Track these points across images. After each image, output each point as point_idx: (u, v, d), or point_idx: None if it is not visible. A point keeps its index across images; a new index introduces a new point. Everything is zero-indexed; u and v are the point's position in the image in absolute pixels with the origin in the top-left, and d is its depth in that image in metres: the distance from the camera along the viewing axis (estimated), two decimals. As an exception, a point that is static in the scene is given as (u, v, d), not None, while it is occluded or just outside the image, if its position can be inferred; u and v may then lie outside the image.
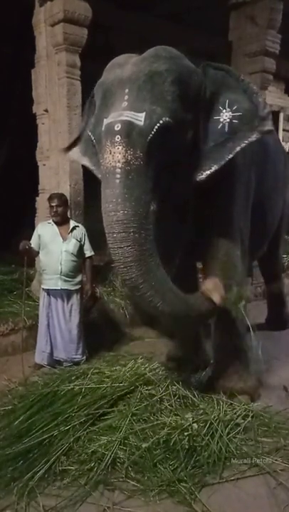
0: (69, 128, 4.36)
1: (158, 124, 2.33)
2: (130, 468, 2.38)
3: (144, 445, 2.47)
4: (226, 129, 2.62)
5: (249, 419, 2.83)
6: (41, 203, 4.79)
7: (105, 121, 2.42)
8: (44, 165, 4.74)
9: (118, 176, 2.33)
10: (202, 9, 6.12)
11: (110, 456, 2.42)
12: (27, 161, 6.11)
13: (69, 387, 3.05)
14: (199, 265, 3.61)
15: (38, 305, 4.21)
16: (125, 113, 2.35)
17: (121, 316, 4.84)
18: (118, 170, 2.33)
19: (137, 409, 2.79)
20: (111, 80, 2.50)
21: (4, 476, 2.36)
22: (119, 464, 2.42)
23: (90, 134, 2.60)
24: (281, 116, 9.59)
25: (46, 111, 4.61)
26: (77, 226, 3.78)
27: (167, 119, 2.35)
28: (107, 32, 6.44)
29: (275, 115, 8.58)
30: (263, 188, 3.41)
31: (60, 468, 2.40)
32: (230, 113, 2.62)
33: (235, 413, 2.87)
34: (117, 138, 2.33)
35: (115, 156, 2.33)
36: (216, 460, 2.44)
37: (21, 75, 6.39)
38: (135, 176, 2.34)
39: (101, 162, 2.46)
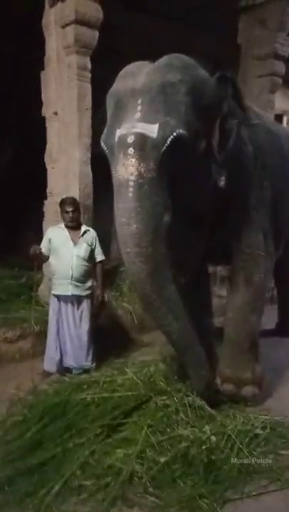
0: (79, 131, 4.30)
1: (171, 137, 2.30)
2: (149, 484, 2.30)
3: (162, 459, 2.39)
4: (232, 135, 2.65)
5: (268, 430, 2.76)
6: (49, 206, 4.72)
7: (118, 133, 2.39)
8: (53, 168, 4.67)
9: (131, 188, 2.33)
10: (209, 11, 6.07)
11: (128, 470, 2.34)
12: (28, 162, 6.08)
13: (81, 397, 2.97)
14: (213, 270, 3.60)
15: (47, 310, 4.16)
16: (138, 125, 2.32)
17: (129, 321, 4.77)
18: (131, 183, 2.32)
19: (152, 421, 2.71)
20: (123, 89, 2.45)
21: (18, 491, 2.28)
22: (136, 479, 2.35)
23: (102, 144, 2.56)
24: (285, 119, 9.56)
25: (56, 113, 4.55)
26: (88, 230, 3.72)
27: (181, 130, 2.32)
28: (111, 33, 6.41)
29: (278, 119, 8.53)
30: (279, 190, 3.36)
31: (76, 483, 2.32)
32: (234, 120, 2.67)
33: (252, 424, 2.80)
34: (130, 150, 2.31)
35: (128, 168, 2.32)
36: (236, 474, 2.37)
37: (23, 75, 6.38)
38: (148, 189, 2.33)
39: (113, 174, 2.45)
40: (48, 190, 4.78)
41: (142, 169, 2.29)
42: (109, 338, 4.32)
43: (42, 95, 4.70)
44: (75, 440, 2.57)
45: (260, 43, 5.79)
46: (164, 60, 2.46)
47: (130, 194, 2.31)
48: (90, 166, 4.37)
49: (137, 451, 2.46)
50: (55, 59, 4.48)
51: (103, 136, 2.55)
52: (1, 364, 4.03)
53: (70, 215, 3.65)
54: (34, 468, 2.40)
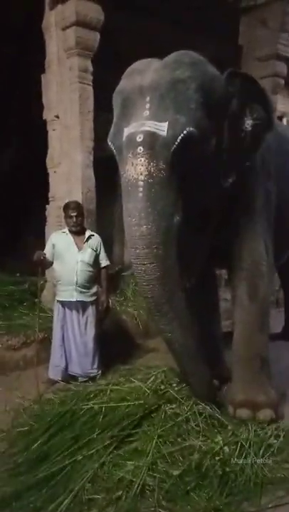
0: (81, 134, 4.25)
1: (182, 135, 2.24)
2: (161, 497, 2.22)
3: (175, 472, 2.31)
4: (249, 135, 2.58)
5: (281, 439, 2.68)
6: (52, 211, 4.67)
7: (126, 131, 2.33)
8: (55, 172, 4.61)
9: (141, 189, 2.26)
10: (209, 12, 6.02)
11: (139, 483, 2.26)
12: (29, 166, 6.02)
13: (88, 406, 2.89)
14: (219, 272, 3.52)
15: (50, 317, 4.09)
16: (147, 123, 2.26)
17: (134, 326, 4.70)
18: (140, 183, 2.26)
19: (162, 431, 2.63)
20: (131, 87, 2.39)
21: (26, 507, 2.20)
22: (148, 492, 2.26)
23: (110, 143, 2.49)
24: (284, 121, 9.52)
25: (57, 117, 4.49)
26: (93, 235, 3.65)
27: (191, 128, 2.26)
28: (111, 35, 6.37)
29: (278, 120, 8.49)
30: (285, 194, 3.29)
31: (86, 497, 2.24)
32: (251, 121, 2.58)
33: (265, 433, 2.72)
34: (140, 149, 2.25)
35: (137, 168, 2.26)
36: (252, 486, 2.29)
37: (23, 76, 6.33)
38: (158, 189, 2.27)
39: (122, 174, 2.38)
40: (50, 195, 4.72)
41: (152, 168, 2.24)
42: (113, 344, 4.25)
43: (43, 98, 4.66)
44: (84, 452, 2.48)
45: (262, 43, 5.77)
46: (172, 56, 2.40)
47: (140, 194, 2.25)
48: (92, 170, 4.31)
49: (147, 463, 2.38)
50: (56, 62, 4.44)
51: (110, 135, 2.49)
52: (5, 372, 3.95)
53: (74, 219, 3.59)
54: (42, 482, 2.32)
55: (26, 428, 2.84)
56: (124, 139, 2.33)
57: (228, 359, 3.50)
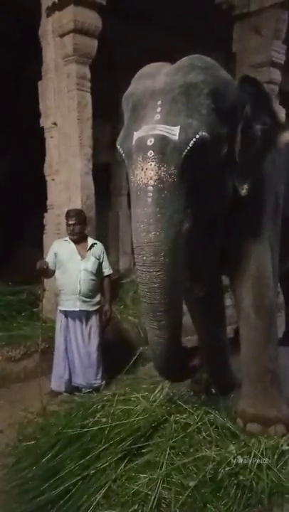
0: (80, 141, 4.21)
1: (194, 139, 2.18)
2: (178, 510, 2.17)
3: (191, 483, 2.25)
4: (258, 142, 2.53)
5: (294, 446, 2.64)
6: (50, 219, 4.61)
7: (136, 135, 2.27)
8: (53, 180, 4.56)
9: (150, 193, 2.19)
10: (204, 20, 6.06)
11: (155, 496, 2.20)
12: (25, 173, 5.96)
13: (96, 419, 2.83)
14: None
15: (50, 327, 4.02)
16: (158, 127, 2.20)
17: (135, 334, 4.64)
18: (150, 188, 2.19)
19: (174, 442, 2.57)
20: (141, 90, 2.34)
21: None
22: (164, 505, 2.21)
23: (119, 147, 2.43)
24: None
25: (55, 124, 4.45)
26: (96, 243, 3.61)
27: (204, 133, 2.20)
28: (106, 43, 6.38)
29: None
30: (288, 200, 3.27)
31: (102, 512, 2.18)
32: (260, 126, 2.54)
33: (277, 441, 2.67)
34: (150, 153, 2.19)
35: (147, 172, 2.19)
36: (269, 496, 2.25)
37: (18, 83, 6.30)
38: (168, 194, 2.20)
39: (131, 178, 2.31)
40: (48, 203, 4.67)
41: (163, 173, 2.17)
42: (115, 353, 4.18)
43: (40, 105, 4.62)
44: (95, 466, 2.42)
45: (256, 50, 5.76)
46: (184, 60, 2.36)
47: (149, 199, 2.19)
48: (91, 177, 4.26)
49: (162, 475, 2.32)
50: (53, 68, 4.40)
51: (119, 139, 2.43)
52: (5, 384, 3.87)
53: (72, 227, 3.54)
54: (54, 499, 2.25)
55: (33, 442, 2.78)
56: (134, 142, 2.27)
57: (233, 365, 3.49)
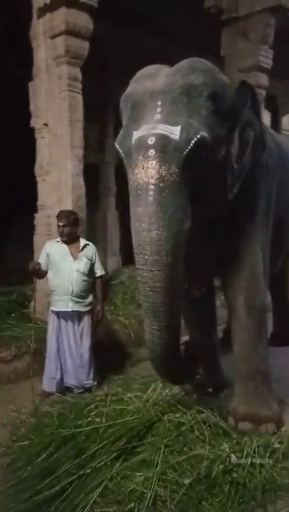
0: (71, 142, 4.22)
1: (195, 139, 2.20)
2: (174, 507, 2.20)
3: (186, 481, 2.29)
4: (249, 146, 2.57)
5: (285, 444, 2.69)
6: (40, 219, 4.61)
7: (136, 134, 2.28)
8: (44, 180, 4.56)
9: (151, 192, 2.19)
10: (192, 24, 6.11)
11: (151, 494, 2.23)
12: (15, 173, 5.93)
13: (89, 419, 2.84)
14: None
15: (41, 327, 4.03)
16: (159, 126, 2.22)
17: (125, 335, 4.67)
18: (151, 186, 2.19)
19: (168, 441, 2.61)
20: (141, 91, 2.36)
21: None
22: (160, 503, 2.24)
23: (118, 147, 2.43)
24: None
25: (46, 125, 4.45)
26: (88, 244, 3.62)
27: (204, 133, 2.23)
28: (95, 45, 6.39)
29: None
30: (281, 204, 3.33)
31: (98, 510, 2.20)
32: (252, 132, 2.59)
33: (268, 439, 2.73)
34: (151, 152, 2.19)
35: (148, 171, 2.20)
36: (262, 493, 2.29)
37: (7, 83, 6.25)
38: (169, 193, 2.21)
39: (130, 178, 2.31)
40: (38, 203, 4.66)
41: (164, 172, 2.18)
42: (106, 354, 4.21)
43: (30, 106, 4.61)
44: (91, 465, 2.44)
45: (244, 55, 5.84)
46: (185, 62, 2.38)
47: (150, 198, 2.19)
48: (82, 178, 4.28)
49: (157, 473, 2.35)
50: (44, 69, 4.40)
51: (118, 138, 2.43)
52: (-3, 386, 3.86)
53: (61, 229, 3.55)
54: (51, 497, 2.26)
55: (27, 442, 2.78)
56: (133, 141, 2.28)
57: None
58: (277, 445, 2.66)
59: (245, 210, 2.84)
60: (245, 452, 2.53)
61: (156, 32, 6.31)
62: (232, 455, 2.50)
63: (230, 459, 2.47)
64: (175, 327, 2.43)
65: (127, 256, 6.33)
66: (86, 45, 4.21)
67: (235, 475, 2.38)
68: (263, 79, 5.91)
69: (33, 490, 2.34)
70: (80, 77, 4.25)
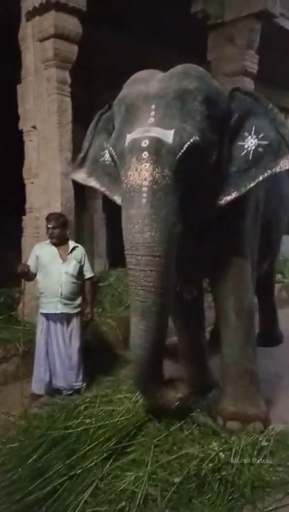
0: (60, 145, 4.24)
1: (188, 143, 2.25)
2: (164, 506, 2.23)
3: (176, 480, 2.33)
4: (250, 156, 2.54)
5: (272, 442, 2.75)
6: (28, 222, 4.61)
7: (129, 137, 2.32)
8: (32, 183, 4.57)
9: (144, 194, 2.24)
10: (179, 28, 6.17)
11: (142, 493, 2.26)
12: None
13: (79, 420, 2.85)
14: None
15: (29, 330, 4.02)
16: (152, 129, 2.27)
17: (114, 337, 4.68)
18: (145, 188, 2.24)
19: (158, 441, 2.64)
20: (135, 94, 2.40)
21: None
22: (151, 502, 2.27)
23: (110, 149, 2.47)
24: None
25: (34, 127, 4.46)
26: (77, 247, 3.63)
27: (197, 138, 2.27)
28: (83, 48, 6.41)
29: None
30: (269, 207, 3.39)
31: (89, 510, 2.21)
32: (255, 140, 2.53)
33: (256, 438, 2.78)
34: (145, 155, 2.24)
35: (142, 173, 2.24)
36: (251, 490, 2.34)
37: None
38: (162, 195, 2.25)
39: (123, 180, 2.35)
40: (27, 206, 4.67)
41: (157, 175, 2.22)
42: (94, 356, 4.22)
43: (19, 108, 4.61)
44: (81, 466, 2.45)
45: (229, 60, 5.93)
46: (178, 68, 2.44)
47: (144, 200, 2.22)
48: (71, 181, 4.29)
49: (147, 472, 2.39)
50: (33, 72, 4.41)
51: (111, 140, 2.47)
52: (-16, 388, 3.84)
53: (50, 231, 3.56)
54: (42, 498, 2.27)
55: (17, 444, 2.78)
56: (126, 144, 2.31)
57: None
58: (264, 443, 2.72)
59: (235, 213, 2.87)
60: (233, 451, 2.59)
61: (144, 36, 6.37)
62: (221, 453, 2.56)
63: (219, 458, 2.52)
64: (161, 330, 2.43)
65: (114, 258, 6.36)
66: (75, 48, 4.24)
67: (224, 473, 2.42)
68: (249, 83, 6.00)
69: (24, 491, 2.34)
70: (68, 80, 4.27)
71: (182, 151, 2.24)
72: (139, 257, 2.27)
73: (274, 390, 3.61)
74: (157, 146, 2.23)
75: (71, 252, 3.57)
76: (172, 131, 2.25)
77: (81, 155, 2.99)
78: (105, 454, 2.52)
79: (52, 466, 2.48)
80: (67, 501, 2.25)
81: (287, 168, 2.47)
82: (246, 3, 5.57)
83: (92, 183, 2.93)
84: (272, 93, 9.36)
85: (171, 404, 2.63)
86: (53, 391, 3.56)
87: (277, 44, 6.50)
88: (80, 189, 5.97)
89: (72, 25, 4.14)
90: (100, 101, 5.48)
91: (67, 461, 2.50)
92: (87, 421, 2.83)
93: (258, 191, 3.09)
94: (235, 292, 2.97)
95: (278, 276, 6.89)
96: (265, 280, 4.61)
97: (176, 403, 2.63)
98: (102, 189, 2.88)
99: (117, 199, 2.75)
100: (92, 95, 5.82)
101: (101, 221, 6.92)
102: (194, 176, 2.35)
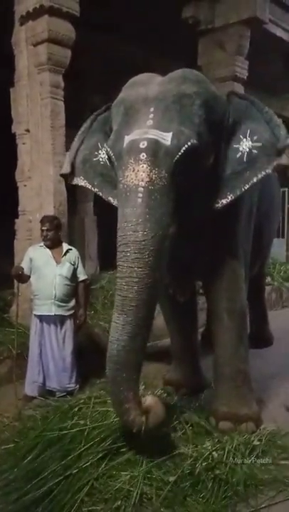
0: (53, 148, 4.27)
1: (185, 146, 2.30)
2: (160, 504, 2.27)
3: (170, 479, 2.37)
4: (245, 158, 2.57)
5: (263, 441, 2.80)
6: (21, 224, 4.62)
7: (128, 138, 2.37)
8: (25, 186, 4.58)
9: (140, 194, 2.28)
10: (170, 34, 6.24)
11: (137, 492, 2.29)
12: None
13: (74, 421, 2.88)
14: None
15: (22, 332, 4.04)
16: (151, 131, 2.31)
17: (106, 339, 4.64)
18: (141, 189, 2.28)
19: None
20: (134, 96, 2.45)
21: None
22: (146, 500, 2.31)
23: (108, 150, 2.50)
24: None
25: (27, 131, 4.48)
26: (71, 249, 3.66)
27: (194, 141, 2.32)
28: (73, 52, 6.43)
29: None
30: (261, 210, 3.45)
31: (86, 509, 2.24)
32: (250, 143, 2.57)
33: (248, 437, 2.83)
34: (142, 155, 2.28)
35: (139, 174, 2.28)
36: (244, 488, 2.39)
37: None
38: (158, 196, 2.29)
39: (120, 180, 2.39)
40: (19, 209, 4.68)
41: (154, 176, 2.26)
42: (87, 358, 4.24)
43: (12, 112, 4.63)
44: (77, 466, 2.48)
45: (220, 65, 6.00)
46: (177, 72, 2.49)
47: (139, 200, 2.26)
48: (64, 184, 4.32)
49: (142, 472, 2.42)
50: (26, 76, 4.44)
51: (109, 141, 2.50)
52: (-23, 390, 3.84)
53: (44, 233, 3.59)
54: (38, 498, 2.29)
55: (12, 445, 2.80)
56: (125, 145, 2.35)
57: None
58: (256, 442, 2.78)
59: (229, 215, 2.90)
60: (226, 450, 2.64)
61: (135, 41, 6.43)
62: (214, 453, 2.61)
63: (212, 457, 2.57)
64: (140, 327, 2.33)
65: (105, 261, 6.39)
66: (68, 53, 4.27)
67: (217, 472, 2.47)
68: (239, 88, 6.07)
69: (20, 491, 2.36)
70: (62, 84, 4.30)
71: (180, 153, 2.29)
72: (128, 254, 2.29)
73: (265, 390, 3.66)
74: (155, 148, 2.27)
75: (65, 254, 3.60)
76: (170, 134, 2.29)
77: (70, 153, 3.00)
78: (100, 454, 2.55)
79: (47, 467, 2.50)
80: (63, 501, 2.28)
81: (282, 166, 2.49)
82: (236, 9, 5.65)
83: (81, 182, 2.95)
84: (262, 99, 9.48)
85: (132, 426, 2.36)
86: (46, 393, 3.57)
87: (266, 50, 6.61)
88: (71, 192, 6.02)
89: (66, 30, 4.18)
90: (90, 104, 5.54)
91: (63, 462, 2.52)
92: (82, 422, 2.85)
93: (252, 194, 3.14)
94: (228, 293, 3.02)
95: (268, 279, 6.97)
96: (256, 282, 4.67)
97: (138, 428, 2.33)
98: (93, 189, 2.92)
99: (111, 200, 2.79)
100: (82, 99, 5.85)
101: (92, 224, 6.95)
102: (191, 178, 2.39)
